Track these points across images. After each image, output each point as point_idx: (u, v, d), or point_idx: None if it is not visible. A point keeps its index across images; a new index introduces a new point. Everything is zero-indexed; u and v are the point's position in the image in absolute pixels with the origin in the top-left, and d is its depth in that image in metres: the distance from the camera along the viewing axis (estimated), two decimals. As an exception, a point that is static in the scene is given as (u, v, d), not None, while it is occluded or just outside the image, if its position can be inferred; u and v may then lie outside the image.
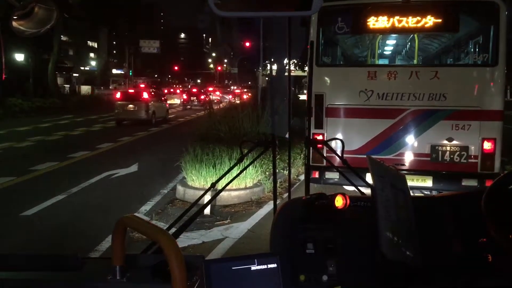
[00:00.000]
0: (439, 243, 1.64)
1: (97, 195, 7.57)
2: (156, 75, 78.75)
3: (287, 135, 2.37)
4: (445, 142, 6.52)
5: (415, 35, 7.47)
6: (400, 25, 6.52)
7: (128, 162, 10.21)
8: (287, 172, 8.29)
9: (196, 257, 1.35)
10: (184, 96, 36.61)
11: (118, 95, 22.98)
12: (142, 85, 36.08)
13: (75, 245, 5.22)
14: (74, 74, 48.47)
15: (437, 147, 6.54)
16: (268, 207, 6.91)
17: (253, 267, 1.34)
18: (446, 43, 8.24)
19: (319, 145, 5.17)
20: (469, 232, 1.62)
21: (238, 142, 8.56)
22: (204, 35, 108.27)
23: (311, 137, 6.25)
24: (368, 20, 6.60)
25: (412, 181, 6.51)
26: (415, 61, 8.23)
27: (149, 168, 9.91)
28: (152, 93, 24.14)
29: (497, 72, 6.38)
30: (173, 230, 1.91)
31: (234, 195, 7.10)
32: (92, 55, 63.80)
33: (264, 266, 1.35)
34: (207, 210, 6.18)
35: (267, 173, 7.96)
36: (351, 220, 1.61)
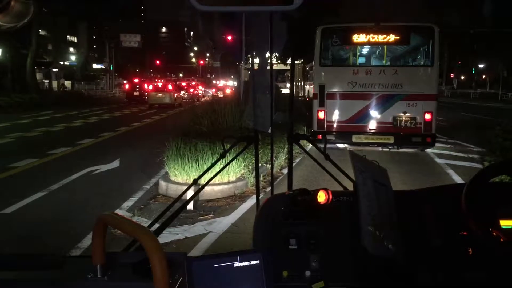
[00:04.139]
0: (420, 237, 1.65)
1: (78, 192, 7.48)
2: (137, 70, 77.92)
3: (269, 130, 2.37)
4: (402, 114, 10.63)
5: (384, 46, 11.37)
6: (373, 40, 10.84)
7: (110, 157, 10.11)
8: (268, 166, 8.34)
9: (178, 254, 1.33)
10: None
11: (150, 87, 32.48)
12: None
13: (56, 243, 5.16)
14: (54, 69, 47.60)
15: (396, 118, 10.63)
16: (252, 201, 6.91)
17: (236, 264, 1.33)
18: (402, 51, 12.12)
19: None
20: (450, 226, 1.63)
21: (221, 136, 8.62)
22: (186, 29, 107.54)
23: (317, 120, 10.96)
24: (353, 36, 10.90)
25: (381, 140, 10.81)
26: (384, 62, 11.75)
27: (131, 163, 9.83)
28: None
29: (433, 70, 10.67)
30: (156, 226, 1.89)
31: (217, 189, 7.08)
32: (72, 49, 62.84)
33: (247, 263, 1.34)
34: (190, 205, 6.16)
35: (250, 167, 7.95)
36: (333, 215, 1.61)
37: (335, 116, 10.90)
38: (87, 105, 28.19)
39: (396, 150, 11.43)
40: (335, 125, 10.91)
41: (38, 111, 23.56)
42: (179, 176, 7.28)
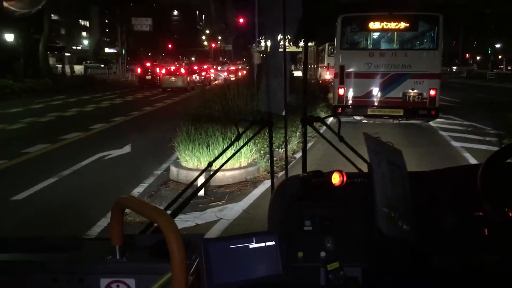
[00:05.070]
0: (435, 218, 1.64)
1: (89, 178, 7.45)
2: (150, 54, 77.76)
3: (283, 113, 2.38)
4: (410, 91, 12.43)
5: (395, 32, 13.13)
6: (387, 27, 12.93)
7: (121, 142, 10.07)
8: (282, 150, 8.22)
9: (194, 236, 1.35)
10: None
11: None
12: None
13: (67, 230, 5.11)
14: (66, 54, 47.71)
15: (406, 94, 12.44)
16: (263, 186, 6.81)
17: (251, 245, 1.33)
18: (411, 36, 13.67)
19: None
20: (465, 206, 1.63)
21: (232, 121, 8.50)
22: (198, 12, 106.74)
23: (337, 96, 12.93)
24: (369, 23, 12.97)
25: (393, 112, 12.68)
26: (394, 46, 13.26)
27: (142, 148, 9.77)
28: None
29: (437, 53, 12.63)
30: (170, 210, 1.90)
31: (228, 175, 6.98)
32: (84, 34, 62.90)
33: (263, 244, 1.34)
34: (201, 191, 6.08)
35: (261, 152, 7.84)
36: (348, 197, 1.62)
37: (353, 92, 12.78)
38: (100, 90, 28.15)
39: (410, 132, 11.75)
40: (353, 100, 12.81)
41: (51, 96, 23.60)
42: (190, 162, 7.19)
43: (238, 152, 6.77)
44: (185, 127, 7.86)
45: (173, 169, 7.26)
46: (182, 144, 7.43)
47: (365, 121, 13.57)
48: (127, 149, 9.61)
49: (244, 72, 33.18)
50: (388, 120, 13.18)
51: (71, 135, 11.41)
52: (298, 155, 8.43)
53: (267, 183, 6.94)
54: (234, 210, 5.78)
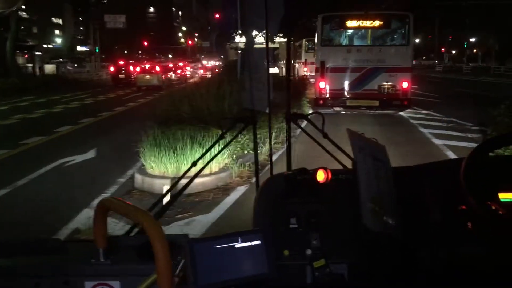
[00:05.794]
0: (420, 212, 1.65)
1: (45, 188, 6.80)
2: (125, 51, 76.36)
3: (267, 110, 2.36)
4: (385, 83, 13.58)
5: (370, 29, 14.30)
6: (362, 24, 14.09)
7: (86, 146, 9.41)
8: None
9: (180, 236, 1.37)
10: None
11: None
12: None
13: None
14: (37, 53, 46.24)
15: (381, 86, 13.58)
16: (236, 194, 6.31)
17: (237, 245, 1.32)
18: (384, 33, 14.89)
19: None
20: (449, 200, 1.63)
21: (201, 122, 7.96)
22: (174, 8, 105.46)
23: (318, 89, 14.06)
24: (347, 22, 14.31)
25: (369, 103, 13.76)
26: (370, 42, 14.43)
27: (108, 153, 9.14)
28: None
29: (408, 48, 13.91)
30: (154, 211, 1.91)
31: (198, 182, 6.40)
32: (58, 32, 61.36)
33: (248, 243, 1.33)
34: (165, 201, 5.53)
35: (234, 156, 7.31)
36: (333, 194, 1.62)
37: (333, 85, 13.80)
38: (71, 89, 27.15)
39: (390, 130, 11.44)
40: (333, 93, 13.84)
41: (19, 96, 22.60)
42: (156, 169, 6.62)
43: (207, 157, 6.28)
44: (151, 131, 7.28)
45: (138, 177, 6.68)
46: (147, 149, 6.85)
47: (344, 112, 14.47)
48: (91, 154, 8.97)
49: (220, 69, 32.54)
50: (365, 111, 14.16)
51: (33, 139, 10.68)
52: (274, 157, 7.91)
53: (240, 190, 6.44)
54: (202, 223, 5.24)
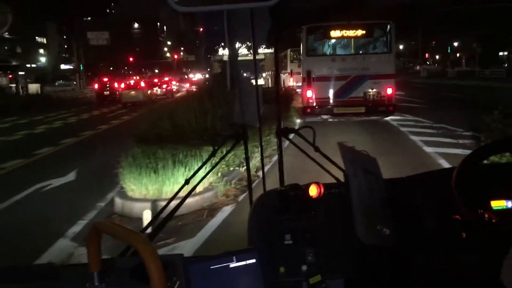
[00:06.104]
0: (413, 223, 1.64)
1: (21, 216, 6.40)
2: (111, 68, 75.81)
3: (257, 125, 2.30)
4: (370, 90, 14.25)
5: (353, 39, 14.92)
6: (346, 34, 14.86)
7: (66, 169, 9.00)
8: (243, 169, 7.40)
9: (174, 256, 1.33)
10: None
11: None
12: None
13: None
14: (20, 73, 45.61)
15: (366, 93, 14.25)
16: (221, 215, 5.98)
17: (232, 265, 1.30)
18: (367, 42, 15.45)
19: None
20: (442, 210, 1.62)
21: (182, 140, 7.63)
22: (159, 23, 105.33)
23: (306, 98, 14.61)
24: (330, 32, 15.01)
25: (356, 110, 14.18)
26: (352, 51, 15.03)
27: (88, 175, 8.74)
28: None
29: (391, 55, 14.66)
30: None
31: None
32: (42, 51, 60.87)
33: (243, 263, 1.31)
34: (148, 229, 5.17)
35: (219, 173, 6.97)
36: (326, 208, 1.62)
37: (320, 94, 14.24)
38: (55, 108, 26.65)
39: (380, 139, 11.23)
40: (320, 101, 14.27)
41: (0, 118, 22.09)
42: (136, 191, 6.25)
43: (195, 176, 5.96)
44: (131, 152, 6.92)
45: (118, 201, 6.31)
46: (127, 170, 6.49)
47: (331, 120, 14.77)
48: (71, 176, 8.57)
49: (206, 82, 32.25)
50: (352, 118, 14.38)
51: (11, 163, 10.26)
52: (261, 173, 7.61)
53: (226, 211, 6.10)
54: (185, 249, 4.88)
